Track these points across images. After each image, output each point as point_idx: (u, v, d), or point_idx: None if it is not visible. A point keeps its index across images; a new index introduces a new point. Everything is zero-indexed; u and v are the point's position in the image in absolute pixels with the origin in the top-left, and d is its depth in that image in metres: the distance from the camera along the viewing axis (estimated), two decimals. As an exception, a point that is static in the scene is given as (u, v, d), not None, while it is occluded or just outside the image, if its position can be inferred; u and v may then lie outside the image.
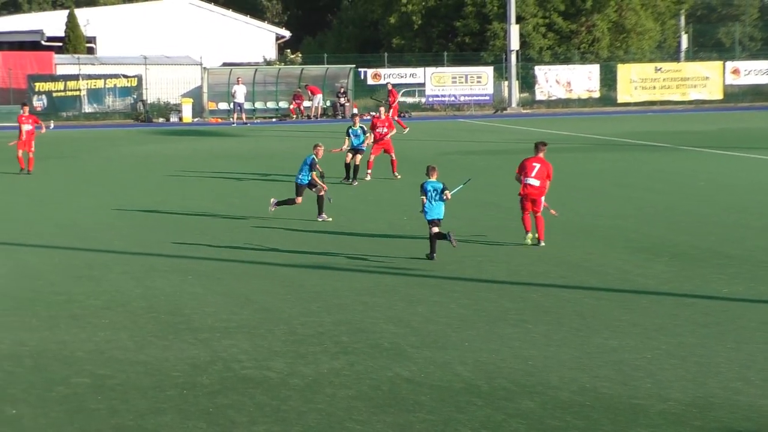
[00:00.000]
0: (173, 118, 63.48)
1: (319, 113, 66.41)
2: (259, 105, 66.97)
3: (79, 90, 63.26)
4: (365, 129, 32.09)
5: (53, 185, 31.96)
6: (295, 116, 66.12)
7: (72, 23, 72.22)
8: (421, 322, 15.01)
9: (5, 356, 13.36)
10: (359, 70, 68.89)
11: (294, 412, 11.26)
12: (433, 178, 19.74)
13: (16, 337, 14.31)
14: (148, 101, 64.80)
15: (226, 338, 14.20)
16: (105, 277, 18.29)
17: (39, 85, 62.18)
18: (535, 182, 20.74)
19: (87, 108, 63.48)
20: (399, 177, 32.07)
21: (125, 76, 64.64)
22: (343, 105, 66.00)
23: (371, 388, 12.05)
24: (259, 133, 54.24)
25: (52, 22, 77.63)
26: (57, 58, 66.59)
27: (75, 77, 63.46)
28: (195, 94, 66.23)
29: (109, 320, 15.24)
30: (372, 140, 32.09)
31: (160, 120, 63.49)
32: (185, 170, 35.46)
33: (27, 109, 35.15)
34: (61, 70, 64.91)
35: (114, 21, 77.76)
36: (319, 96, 66.48)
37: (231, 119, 62.30)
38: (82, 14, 76.49)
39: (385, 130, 32.53)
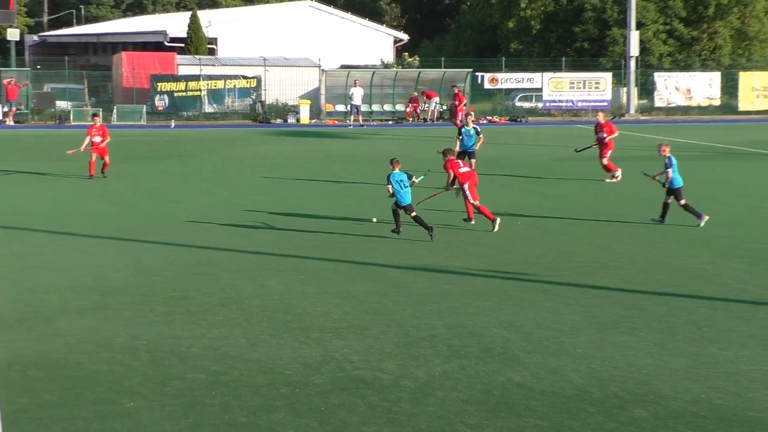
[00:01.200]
0: (291, 120, 64.08)
1: (435, 117, 66.45)
2: (375, 107, 67.27)
3: (200, 90, 64.21)
4: (478, 130, 31.93)
5: (172, 183, 32.49)
6: (411, 119, 66.26)
7: (194, 24, 73.38)
8: (533, 327, 14.94)
9: (123, 350, 13.63)
10: (476, 74, 68.77)
11: (405, 414, 11.29)
12: (397, 170, 22.43)
13: (133, 331, 14.59)
14: (267, 102, 65.49)
15: (337, 338, 14.29)
16: (220, 275, 18.54)
17: (161, 85, 63.26)
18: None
19: (207, 108, 64.41)
20: None
21: (245, 77, 65.44)
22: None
23: (482, 392, 12.03)
24: (376, 136, 54.46)
25: (175, 24, 79.01)
26: (179, 58, 67.71)
27: (196, 78, 64.44)
28: (313, 96, 66.77)
29: (223, 317, 15.45)
30: (480, 144, 31.98)
31: (278, 121, 64.13)
32: (301, 171, 35.78)
33: (98, 120, 34.47)
34: (182, 71, 65.96)
35: (235, 23, 78.78)
36: (436, 99, 66.54)
37: (348, 121, 62.64)
38: (204, 16, 77.69)
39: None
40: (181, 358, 13.31)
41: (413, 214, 22.41)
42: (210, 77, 64.86)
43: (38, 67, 72.07)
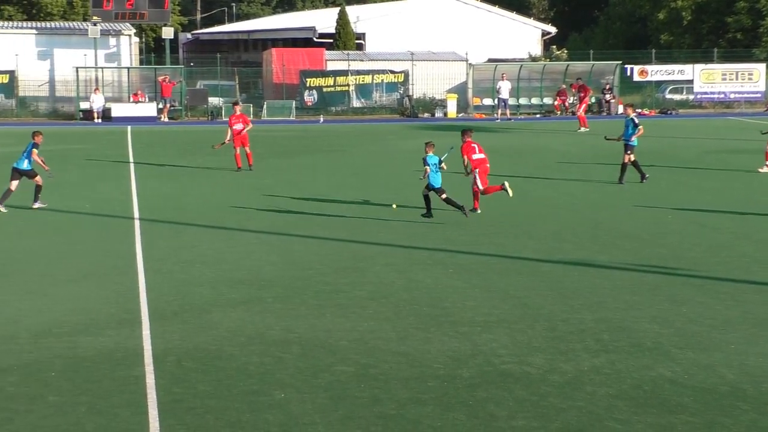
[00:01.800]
0: (438, 114, 64.17)
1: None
2: (523, 101, 66.90)
3: (348, 85, 64.75)
4: (636, 122, 30.71)
5: (320, 178, 32.84)
6: (559, 112, 65.74)
7: (342, 20, 74.01)
8: (685, 322, 14.72)
9: (275, 342, 13.87)
10: (625, 66, 67.85)
11: (553, 409, 11.25)
12: (431, 153, 23.55)
13: (285, 323, 14.82)
14: (414, 96, 65.72)
15: (486, 332, 14.30)
16: (370, 269, 18.71)
17: (310, 81, 63.98)
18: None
19: (355, 103, 64.91)
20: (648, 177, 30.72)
21: (392, 72, 65.77)
22: (608, 102, 65.17)
23: (632, 387, 11.92)
24: (523, 129, 54.19)
25: (323, 20, 79.80)
26: (327, 54, 68.37)
27: (344, 73, 65.00)
28: (460, 90, 66.75)
29: (373, 311, 15.59)
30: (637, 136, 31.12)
31: (425, 115, 64.30)
32: (447, 165, 35.75)
33: (238, 108, 35.21)
34: (331, 66, 66.59)
35: (382, 18, 79.20)
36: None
37: (495, 115, 62.44)
38: (353, 11, 78.28)
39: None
40: (331, 350, 13.49)
41: (444, 195, 23.51)
42: (358, 72, 65.37)
43: (191, 64, 73.57)
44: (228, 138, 33.96)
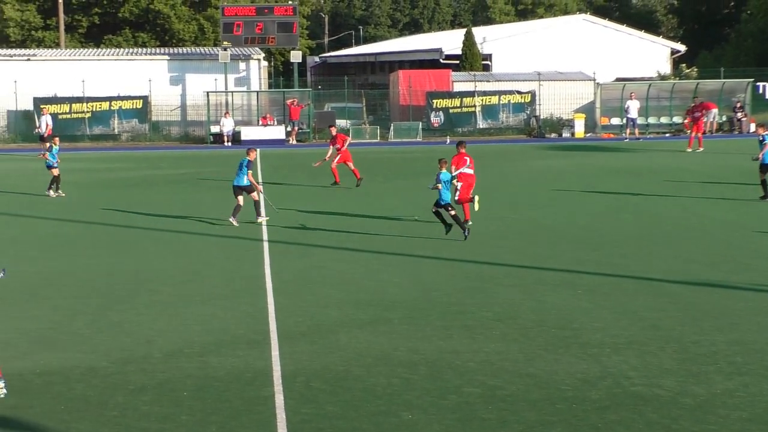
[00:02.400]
0: (565, 134, 63.76)
1: (714, 128, 64.70)
2: (652, 120, 66.08)
3: (474, 106, 64.74)
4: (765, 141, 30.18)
5: (448, 199, 32.85)
6: (689, 131, 64.71)
7: (469, 41, 74.07)
8: (821, 345, 14.35)
9: (402, 363, 13.89)
10: (757, 84, 66.56)
11: (684, 432, 11.07)
12: (443, 170, 24.10)
13: (411, 344, 14.84)
14: (541, 116, 65.41)
15: (615, 354, 14.13)
16: (496, 290, 18.64)
17: (437, 102, 64.14)
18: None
19: (481, 124, 64.87)
20: None
21: (519, 92, 65.57)
22: (740, 120, 63.98)
23: (766, 411, 11.65)
24: (652, 149, 53.50)
25: (450, 41, 80.00)
26: (454, 75, 68.47)
27: (470, 94, 65.01)
28: (587, 110, 66.23)
29: (500, 332, 15.52)
30: None
31: (553, 135, 63.95)
32: (575, 185, 35.55)
33: (334, 130, 36.80)
34: (457, 87, 66.68)
35: (509, 38, 79.06)
36: (714, 111, 64.76)
37: (623, 134, 61.78)
38: (479, 32, 78.30)
39: None
40: (459, 372, 13.46)
41: (453, 212, 24.08)
42: (484, 93, 65.32)
43: (319, 87, 74.37)
44: (328, 155, 35.04)
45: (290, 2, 68.75)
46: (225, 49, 62.29)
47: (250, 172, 27.65)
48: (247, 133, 60.09)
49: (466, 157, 26.87)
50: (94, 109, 61.28)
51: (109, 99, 61.47)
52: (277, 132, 60.76)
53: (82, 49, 71.44)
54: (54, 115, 59.81)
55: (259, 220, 27.53)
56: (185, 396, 12.65)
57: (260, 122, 61.98)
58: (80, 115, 61.06)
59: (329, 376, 13.37)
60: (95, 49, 71.12)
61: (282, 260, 21.99)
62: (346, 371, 13.57)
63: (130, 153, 54.47)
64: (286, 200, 32.44)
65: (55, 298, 18.47)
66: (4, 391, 12.82)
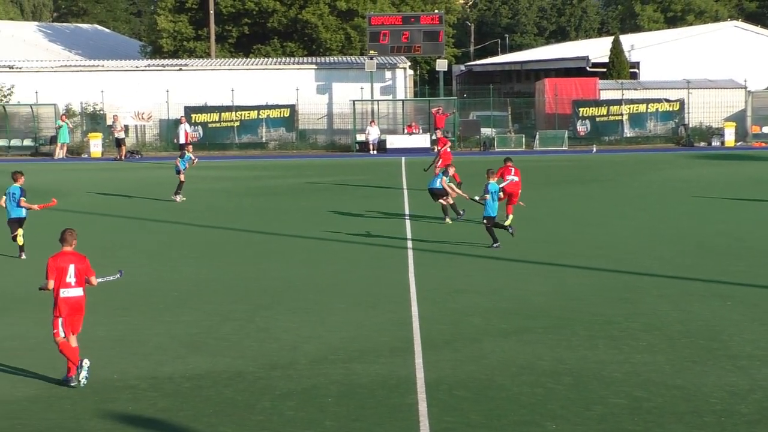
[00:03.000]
0: (715, 142, 62.53)
1: None
2: (807, 128, 64.36)
3: (621, 115, 63.96)
4: None
5: (592, 208, 32.56)
6: None
7: (616, 49, 73.21)
8: None
9: (546, 373, 13.81)
10: None
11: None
12: (493, 181, 24.59)
13: (556, 354, 14.75)
14: (690, 125, 64.30)
15: (765, 367, 13.83)
16: (642, 300, 18.40)
17: (582, 110, 63.57)
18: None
19: (628, 132, 64.03)
20: None
21: (667, 101, 64.56)
22: None
23: None
24: (806, 158, 52.13)
25: (597, 49, 79.18)
26: (600, 83, 67.77)
27: (617, 102, 64.24)
28: (738, 118, 64.84)
29: (646, 343, 15.32)
30: None
31: (702, 144, 62.79)
32: (723, 195, 34.86)
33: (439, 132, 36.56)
34: (603, 95, 65.97)
35: (657, 46, 77.90)
36: None
37: (776, 143, 60.32)
38: (627, 40, 77.34)
39: None
40: (604, 382, 13.33)
41: (491, 225, 24.48)
42: (631, 101, 64.48)
43: (464, 95, 74.33)
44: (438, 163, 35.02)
45: (436, 11, 68.94)
46: (371, 58, 62.73)
47: (445, 177, 28.94)
48: (393, 142, 60.42)
49: (511, 167, 28.64)
50: (242, 118, 62.31)
51: (258, 108, 62.43)
52: (422, 140, 60.91)
53: (231, 59, 72.66)
54: (204, 124, 61.05)
55: (448, 220, 29.14)
56: (329, 402, 12.78)
57: (405, 131, 62.26)
58: (229, 124, 62.14)
59: (472, 384, 13.37)
60: (244, 59, 72.27)
61: (426, 267, 22.05)
62: (489, 380, 13.55)
63: (277, 161, 55.26)
64: (430, 208, 32.50)
65: (205, 304, 18.84)
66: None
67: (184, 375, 14.07)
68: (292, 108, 62.69)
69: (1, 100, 61.96)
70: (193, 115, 61.01)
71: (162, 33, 79.34)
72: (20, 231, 24.27)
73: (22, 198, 24.28)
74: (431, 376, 13.74)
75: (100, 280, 14.71)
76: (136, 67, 67.23)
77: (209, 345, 15.80)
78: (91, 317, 17.72)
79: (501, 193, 25.69)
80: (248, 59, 72.45)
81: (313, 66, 66.30)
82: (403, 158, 53.68)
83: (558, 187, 38.44)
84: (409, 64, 67.74)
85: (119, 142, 57.27)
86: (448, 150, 36.28)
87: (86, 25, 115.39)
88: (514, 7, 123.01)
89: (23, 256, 24.13)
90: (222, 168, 42.20)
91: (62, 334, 13.88)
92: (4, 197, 24.56)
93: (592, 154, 57.59)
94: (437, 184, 28.87)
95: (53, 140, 59.52)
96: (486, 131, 63.51)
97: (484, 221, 24.66)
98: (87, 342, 15.76)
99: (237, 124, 62.32)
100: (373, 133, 60.82)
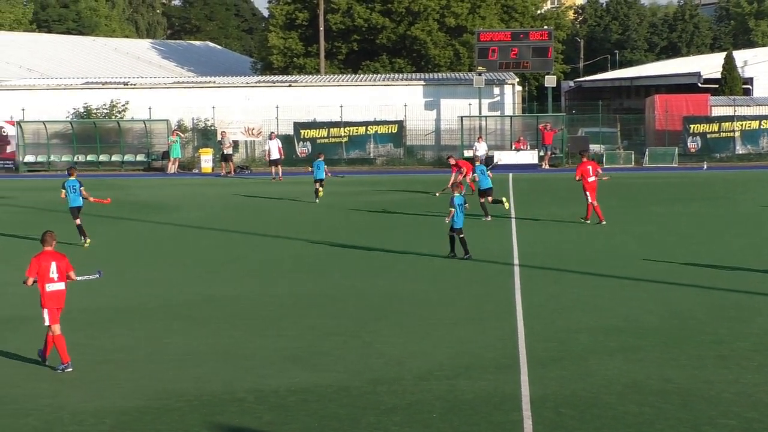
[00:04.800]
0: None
1: None
2: None
3: (733, 131, 62.94)
4: None
5: (703, 226, 32.06)
6: None
7: (729, 65, 72.17)
8: None
9: (653, 392, 13.62)
10: None
11: None
12: (457, 194, 25.48)
13: (664, 373, 14.54)
14: (805, 141, 62.98)
15: None
16: (753, 319, 18.07)
17: (694, 127, 62.67)
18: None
19: (740, 149, 62.95)
20: None
21: (781, 117, 63.34)
22: None
23: None
24: None
25: (708, 65, 78.11)
26: (712, 99, 66.78)
27: (729, 118, 63.24)
28: None
29: (757, 363, 15.04)
30: None
31: (817, 161, 61.49)
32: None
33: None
34: (715, 112, 64.97)
35: (772, 61, 76.64)
36: None
37: None
38: (740, 56, 76.19)
39: None
40: (713, 403, 13.10)
41: (462, 236, 25.42)
42: (744, 118, 63.39)
43: (573, 111, 73.79)
44: (451, 182, 35.09)
45: (546, 27, 68.60)
46: (479, 74, 62.64)
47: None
48: (500, 158, 60.26)
49: (588, 166, 30.95)
50: (351, 134, 62.66)
51: (366, 124, 62.72)
52: (530, 156, 60.60)
53: (340, 75, 73.13)
54: (312, 140, 61.56)
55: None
56: (434, 418, 12.76)
57: (513, 147, 62.02)
58: (338, 140, 62.51)
59: (578, 402, 13.25)
60: (353, 75, 72.72)
61: (532, 284, 21.93)
62: (595, 398, 13.41)
63: (384, 176, 55.43)
64: (537, 225, 32.32)
65: (308, 318, 18.96)
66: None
67: (289, 389, 14.16)
68: (400, 124, 62.86)
69: (116, 116, 63.15)
70: (302, 131, 61.50)
71: (272, 49, 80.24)
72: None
73: (82, 188, 28.93)
74: (536, 393, 13.64)
75: (80, 278, 16.42)
76: (247, 83, 68.00)
77: (313, 359, 15.89)
78: (198, 330, 18.00)
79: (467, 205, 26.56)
80: (357, 75, 72.89)
81: (422, 82, 66.40)
82: (510, 174, 53.42)
83: (667, 204, 37.92)
84: (517, 80, 67.50)
85: (226, 158, 58.03)
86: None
87: (198, 43, 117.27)
88: (625, 23, 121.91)
89: (87, 242, 28.44)
90: (330, 183, 42.45)
91: (47, 322, 15.59)
92: (63, 190, 29.07)
93: (702, 171, 56.74)
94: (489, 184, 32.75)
95: (165, 155, 60.46)
96: (594, 147, 62.94)
97: (451, 233, 25.59)
98: (194, 355, 15.99)
99: (345, 139, 62.66)
100: (480, 149, 60.66)
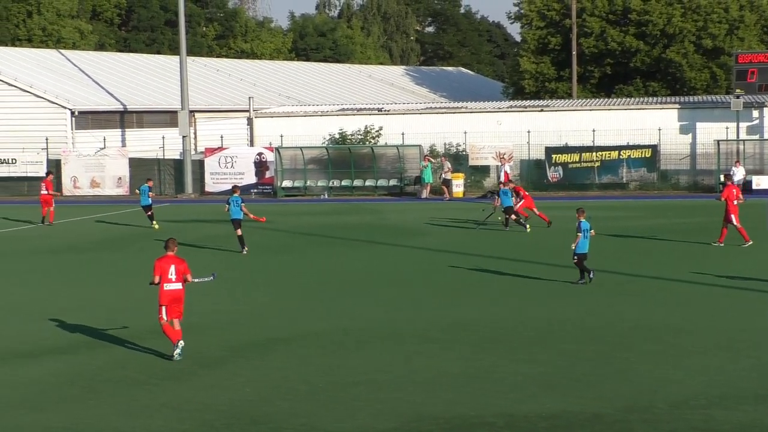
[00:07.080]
0: None
1: None
2: None
3: None
4: None
5: None
6: None
7: None
8: None
9: None
10: None
11: None
12: (583, 219, 25.21)
13: None
14: None
15: None
16: None
17: None
18: None
19: None
20: None
21: None
22: None
23: None
24: None
25: None
26: None
27: None
28: None
29: None
30: None
31: None
32: None
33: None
34: None
35: None
36: None
37: None
38: None
39: None
40: None
41: (585, 261, 25.37)
42: None
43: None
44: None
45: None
46: (737, 97, 60.93)
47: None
48: (759, 182, 58.37)
49: (733, 189, 31.71)
50: (603, 158, 61.96)
51: (618, 148, 61.90)
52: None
53: (592, 99, 72.49)
54: (564, 165, 61.17)
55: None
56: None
57: (777, 171, 60.02)
58: (589, 164, 61.90)
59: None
60: (605, 99, 71.96)
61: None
62: None
63: (637, 202, 54.51)
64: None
65: (559, 343, 18.83)
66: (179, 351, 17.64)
67: (540, 414, 14.09)
68: (654, 148, 61.77)
69: (370, 141, 64.39)
70: (554, 156, 61.22)
71: (524, 74, 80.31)
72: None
73: (243, 204, 32.39)
74: None
75: (196, 279, 18.49)
76: (498, 108, 68.23)
77: (564, 385, 15.75)
78: (448, 353, 18.13)
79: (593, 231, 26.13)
80: (609, 99, 72.13)
81: (677, 105, 65.11)
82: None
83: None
84: (777, 102, 65.31)
85: (447, 183, 58.67)
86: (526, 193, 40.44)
87: (451, 68, 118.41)
88: None
89: (245, 251, 32.11)
90: (566, 208, 41.98)
91: (165, 318, 17.85)
92: (227, 205, 32.61)
93: None
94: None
95: (417, 180, 61.22)
96: None
97: (575, 258, 25.59)
98: (445, 378, 16.12)
99: (597, 164, 62.01)
100: (738, 174, 58.95)
